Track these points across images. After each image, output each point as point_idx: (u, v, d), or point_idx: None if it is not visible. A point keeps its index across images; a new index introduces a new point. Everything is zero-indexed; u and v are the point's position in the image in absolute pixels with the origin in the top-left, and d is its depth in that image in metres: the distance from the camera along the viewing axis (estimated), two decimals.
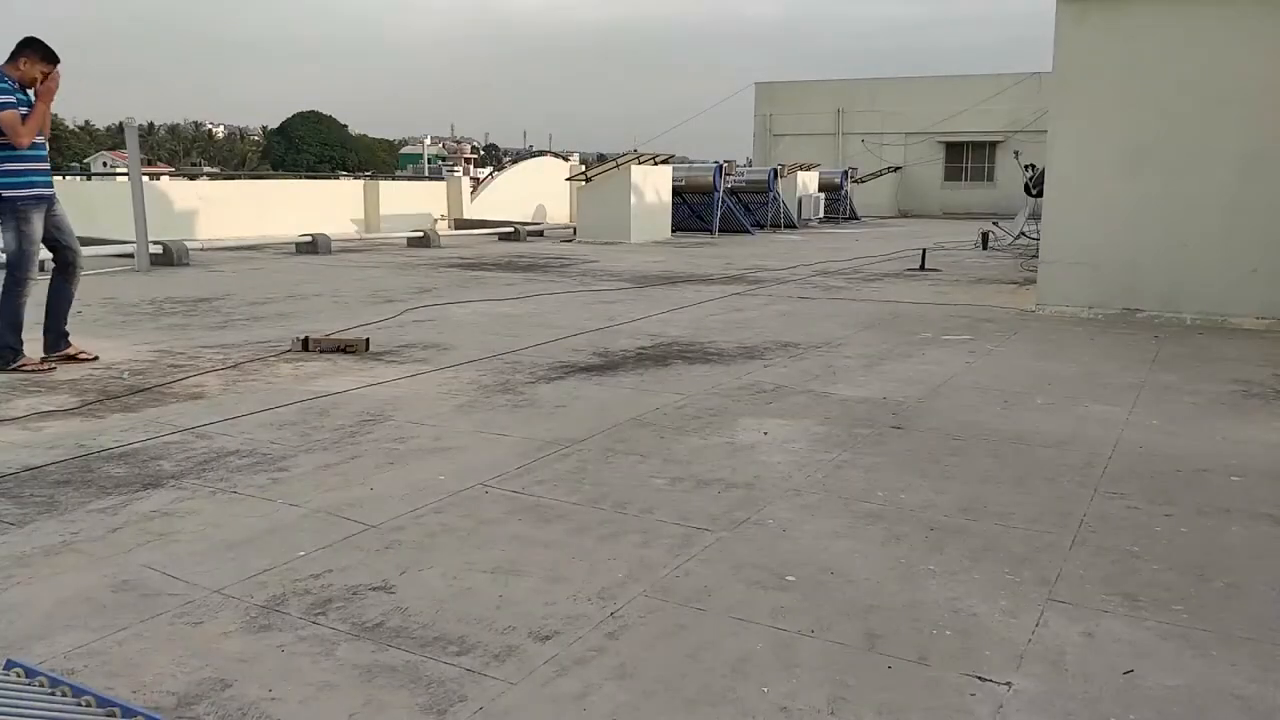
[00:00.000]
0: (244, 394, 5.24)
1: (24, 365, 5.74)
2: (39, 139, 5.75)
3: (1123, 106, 8.17)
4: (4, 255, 5.85)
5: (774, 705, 2.20)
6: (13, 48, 5.71)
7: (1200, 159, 7.97)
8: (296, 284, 10.46)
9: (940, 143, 35.32)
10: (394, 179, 27.21)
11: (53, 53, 5.78)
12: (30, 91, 5.72)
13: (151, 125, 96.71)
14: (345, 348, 6.45)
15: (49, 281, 6.07)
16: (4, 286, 5.80)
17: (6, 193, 5.64)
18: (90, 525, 3.27)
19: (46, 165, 5.85)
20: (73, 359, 5.98)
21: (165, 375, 5.69)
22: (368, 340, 6.58)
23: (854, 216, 28.76)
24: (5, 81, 5.61)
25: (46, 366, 5.78)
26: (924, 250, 13.84)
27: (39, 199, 5.76)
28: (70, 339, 6.09)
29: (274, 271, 11.88)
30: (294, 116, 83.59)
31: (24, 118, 5.61)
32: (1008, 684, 2.30)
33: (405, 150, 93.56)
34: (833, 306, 9.12)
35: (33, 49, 5.72)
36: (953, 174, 36.05)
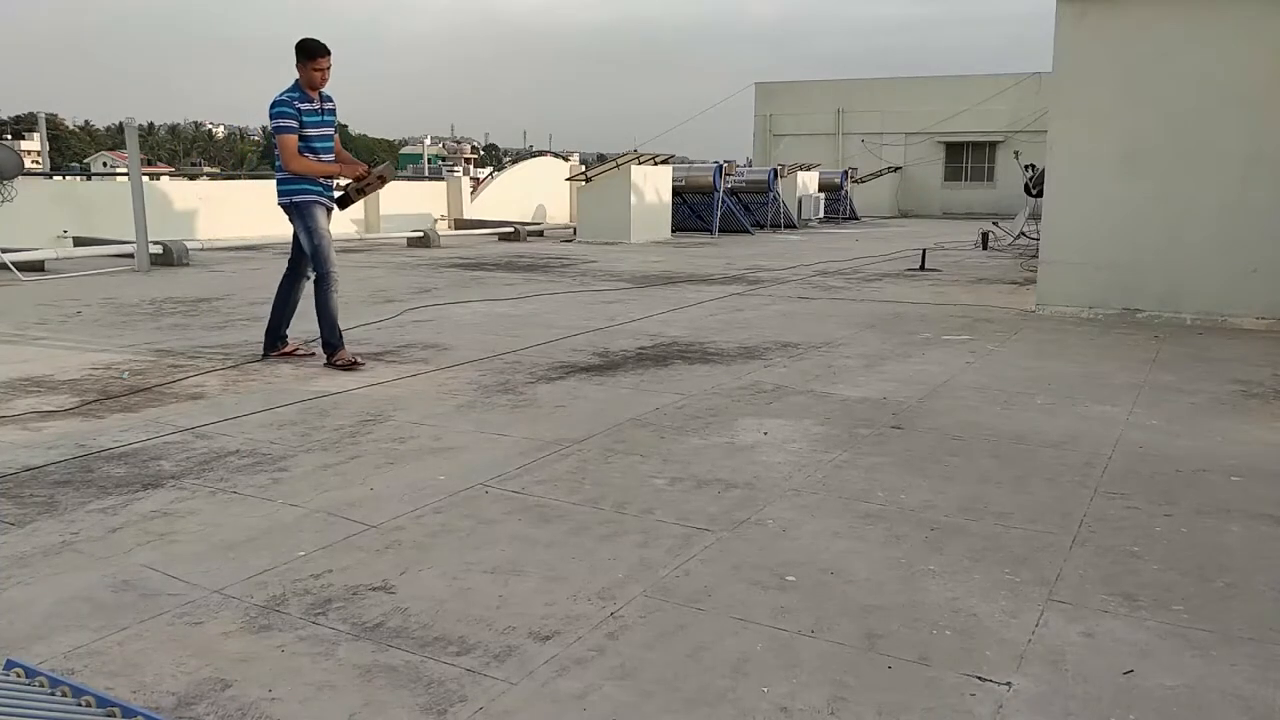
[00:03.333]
0: (244, 394, 5.24)
1: (338, 360, 5.95)
2: (324, 155, 6.02)
3: (1122, 106, 8.17)
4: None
5: (774, 705, 2.20)
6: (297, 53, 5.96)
7: (1200, 159, 7.96)
8: None
9: (940, 143, 35.29)
10: (394, 179, 27.17)
11: (313, 46, 5.90)
12: (320, 97, 6.00)
13: (151, 125, 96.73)
14: (364, 185, 6.28)
15: (280, 284, 6.38)
16: (315, 287, 6.06)
17: (282, 199, 6.02)
18: (90, 525, 3.27)
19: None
20: (292, 354, 6.25)
21: (165, 375, 5.69)
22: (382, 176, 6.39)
23: (854, 216, 28.75)
24: (295, 91, 5.90)
25: (359, 362, 5.98)
26: (924, 250, 13.84)
27: (315, 203, 6.02)
28: (289, 339, 6.34)
29: (274, 272, 11.77)
30: None
31: (306, 135, 5.91)
32: (1008, 684, 2.30)
33: (405, 150, 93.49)
34: (833, 306, 9.12)
35: (298, 52, 5.91)
36: (953, 174, 36.03)
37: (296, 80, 5.94)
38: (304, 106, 5.91)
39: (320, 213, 6.06)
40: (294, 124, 5.88)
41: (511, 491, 3.65)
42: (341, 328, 6.08)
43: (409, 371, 5.87)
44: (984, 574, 2.94)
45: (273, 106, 5.90)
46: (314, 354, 6.22)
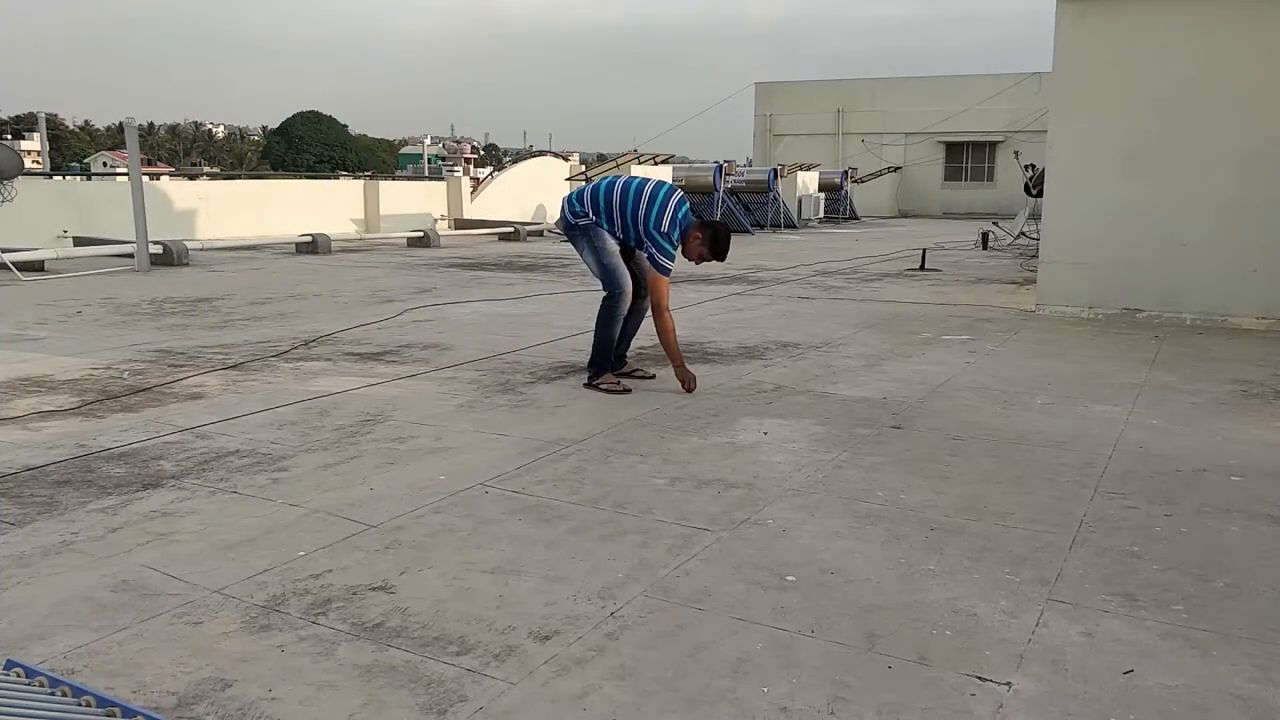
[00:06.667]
0: (244, 394, 5.24)
1: (601, 383, 5.43)
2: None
3: (1122, 106, 8.17)
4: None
5: (774, 705, 2.20)
6: (706, 223, 5.48)
7: (1200, 159, 7.97)
8: (296, 284, 10.46)
9: (940, 143, 35.32)
10: (394, 179, 27.20)
11: (725, 249, 5.45)
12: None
13: (151, 125, 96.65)
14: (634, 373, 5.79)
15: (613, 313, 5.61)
16: (601, 303, 5.50)
17: (580, 221, 5.42)
18: (90, 525, 3.27)
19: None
20: (630, 375, 5.67)
21: (165, 375, 5.69)
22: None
23: (854, 216, 28.77)
24: (677, 237, 5.33)
25: (622, 388, 5.40)
26: (924, 250, 13.84)
27: (599, 224, 5.44)
28: (627, 359, 5.78)
29: (274, 271, 11.88)
30: (294, 116, 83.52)
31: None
32: (1008, 684, 2.30)
33: (405, 150, 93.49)
34: (833, 306, 9.12)
35: (708, 235, 5.39)
36: (953, 174, 36.06)
37: (680, 233, 5.32)
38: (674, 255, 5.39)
39: (605, 234, 5.43)
40: (670, 269, 5.36)
41: (511, 491, 3.65)
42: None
43: (409, 371, 5.87)
44: (984, 574, 2.94)
45: (664, 237, 5.26)
46: (653, 376, 5.70)
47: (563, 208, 5.58)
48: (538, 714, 2.16)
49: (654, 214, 5.27)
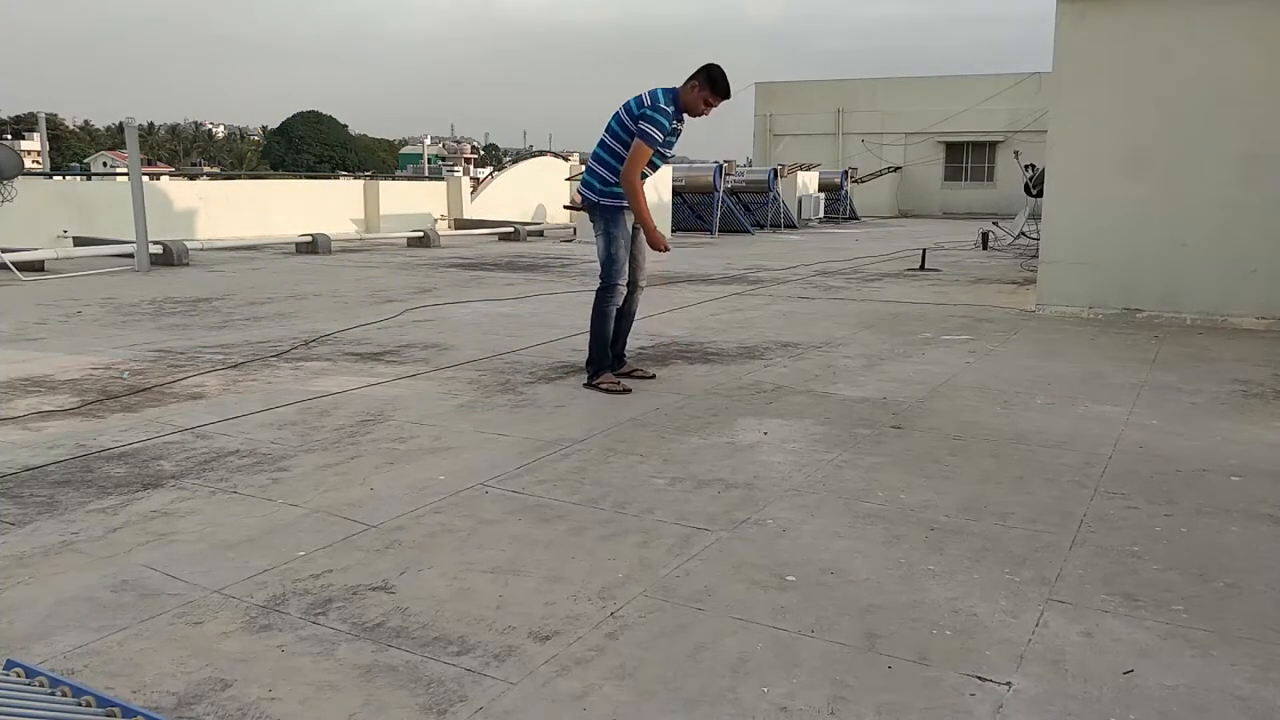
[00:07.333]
0: (244, 394, 5.24)
1: (601, 383, 5.40)
2: (647, 173, 5.37)
3: (1123, 106, 8.17)
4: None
5: (774, 705, 2.20)
6: (693, 75, 5.34)
7: (1200, 159, 7.97)
8: (296, 284, 10.46)
9: (940, 143, 35.34)
10: (394, 179, 27.20)
11: (723, 83, 5.33)
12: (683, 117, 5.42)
13: (151, 125, 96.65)
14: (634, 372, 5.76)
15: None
16: (596, 297, 5.48)
17: (603, 201, 5.38)
18: (90, 525, 3.27)
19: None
20: (630, 375, 5.64)
21: (165, 375, 5.69)
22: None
23: (854, 216, 28.78)
24: (673, 107, 5.27)
25: (623, 388, 5.37)
26: (924, 250, 13.85)
27: (625, 209, 5.41)
28: (625, 359, 5.76)
29: (274, 271, 11.89)
30: (294, 116, 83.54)
31: (660, 153, 5.31)
32: (1008, 684, 2.30)
33: (405, 150, 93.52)
34: (833, 306, 9.12)
35: (705, 78, 5.30)
36: (953, 174, 36.08)
37: (678, 94, 5.30)
38: (671, 126, 5.32)
39: (625, 222, 5.42)
40: (658, 140, 5.23)
41: (511, 491, 3.65)
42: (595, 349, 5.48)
43: (409, 371, 5.87)
44: (984, 574, 2.94)
45: (650, 109, 5.21)
46: (654, 376, 5.69)
47: (580, 189, 5.58)
48: (538, 714, 2.16)
49: (634, 107, 5.28)
